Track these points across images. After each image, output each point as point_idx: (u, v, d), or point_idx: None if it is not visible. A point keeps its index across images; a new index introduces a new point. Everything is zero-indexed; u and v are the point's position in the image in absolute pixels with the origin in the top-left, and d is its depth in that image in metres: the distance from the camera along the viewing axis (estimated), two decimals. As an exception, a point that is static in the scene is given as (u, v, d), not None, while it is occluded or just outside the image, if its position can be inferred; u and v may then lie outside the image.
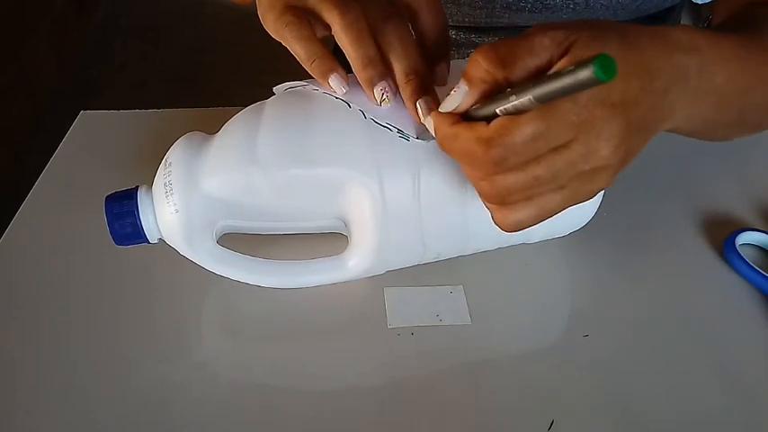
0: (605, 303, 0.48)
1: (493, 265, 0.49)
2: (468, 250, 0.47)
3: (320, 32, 0.44)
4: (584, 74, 0.28)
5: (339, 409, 0.42)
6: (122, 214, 0.44)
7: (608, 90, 0.33)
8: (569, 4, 0.63)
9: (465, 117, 0.36)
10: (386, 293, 0.48)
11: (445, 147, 0.37)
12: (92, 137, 0.63)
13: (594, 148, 0.34)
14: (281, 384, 0.43)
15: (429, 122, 0.39)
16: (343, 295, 0.48)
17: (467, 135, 0.35)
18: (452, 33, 0.71)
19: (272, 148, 0.42)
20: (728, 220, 0.54)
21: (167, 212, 0.43)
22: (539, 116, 0.32)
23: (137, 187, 0.45)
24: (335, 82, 0.42)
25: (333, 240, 0.47)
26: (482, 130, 0.34)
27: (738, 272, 0.49)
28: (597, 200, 0.45)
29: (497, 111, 0.34)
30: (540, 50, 0.34)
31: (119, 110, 0.66)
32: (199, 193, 0.43)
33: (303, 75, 0.44)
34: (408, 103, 0.41)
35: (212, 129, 0.46)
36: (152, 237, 0.44)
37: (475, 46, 0.71)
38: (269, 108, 0.45)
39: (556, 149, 0.34)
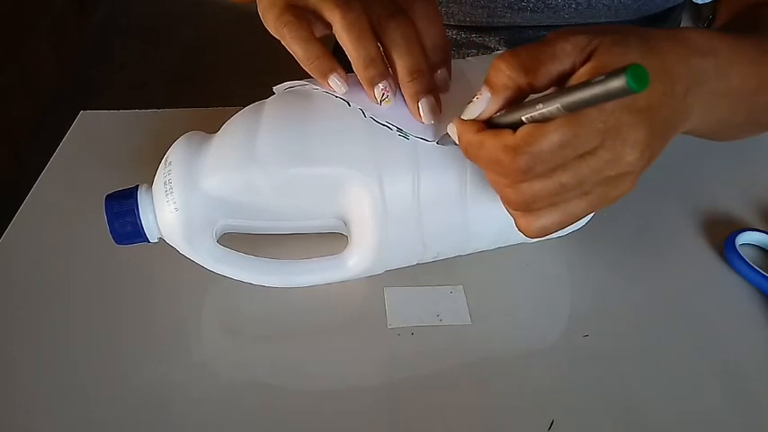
0: (605, 303, 0.48)
1: (493, 265, 0.49)
2: (467, 250, 0.47)
3: (321, 31, 0.44)
4: (617, 84, 0.27)
5: (339, 408, 0.42)
6: (122, 213, 0.44)
7: (634, 96, 0.33)
8: (571, 3, 0.63)
9: (487, 124, 0.36)
10: (386, 293, 0.48)
11: (470, 154, 0.37)
12: (92, 137, 0.63)
13: (620, 155, 0.34)
14: (281, 384, 0.43)
15: (452, 129, 0.38)
16: (343, 295, 0.48)
17: (493, 143, 0.35)
18: (453, 33, 0.71)
19: (272, 147, 0.42)
20: (728, 220, 0.54)
21: (167, 211, 0.43)
22: (566, 124, 0.32)
23: (137, 186, 0.45)
24: (335, 82, 0.42)
25: (333, 240, 0.47)
26: (508, 138, 0.34)
27: (738, 272, 0.49)
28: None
29: (523, 118, 0.33)
30: (562, 56, 0.34)
31: (119, 110, 0.66)
32: (199, 192, 0.43)
33: (303, 74, 0.44)
34: (410, 102, 0.41)
35: (212, 129, 0.46)
36: (152, 236, 0.44)
37: (475, 46, 0.71)
38: (269, 107, 0.45)
39: (582, 156, 0.34)
